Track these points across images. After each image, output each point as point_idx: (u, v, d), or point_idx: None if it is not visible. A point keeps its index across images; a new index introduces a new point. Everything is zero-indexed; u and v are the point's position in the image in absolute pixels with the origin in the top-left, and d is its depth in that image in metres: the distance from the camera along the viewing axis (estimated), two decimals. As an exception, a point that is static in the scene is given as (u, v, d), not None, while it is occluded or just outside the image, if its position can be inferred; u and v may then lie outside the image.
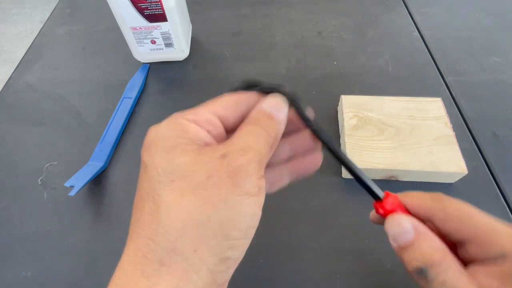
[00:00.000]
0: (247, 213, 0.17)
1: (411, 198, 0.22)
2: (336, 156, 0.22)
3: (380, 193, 0.21)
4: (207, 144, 0.19)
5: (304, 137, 0.24)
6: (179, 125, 0.19)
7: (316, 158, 0.24)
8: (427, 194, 0.22)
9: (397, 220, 0.20)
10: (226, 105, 0.21)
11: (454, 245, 0.21)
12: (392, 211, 0.21)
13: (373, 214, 0.23)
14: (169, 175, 0.17)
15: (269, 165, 0.23)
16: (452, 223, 0.20)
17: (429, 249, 0.19)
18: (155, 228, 0.17)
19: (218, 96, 0.21)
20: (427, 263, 0.19)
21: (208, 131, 0.20)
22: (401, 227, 0.20)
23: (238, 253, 0.18)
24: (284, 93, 0.22)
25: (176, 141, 0.18)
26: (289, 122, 0.22)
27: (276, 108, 0.21)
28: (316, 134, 0.22)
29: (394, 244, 0.21)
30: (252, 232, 0.18)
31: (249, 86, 0.23)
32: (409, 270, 0.20)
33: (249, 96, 0.22)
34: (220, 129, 0.20)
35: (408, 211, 0.22)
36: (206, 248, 0.16)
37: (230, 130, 0.21)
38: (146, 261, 0.16)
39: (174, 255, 0.16)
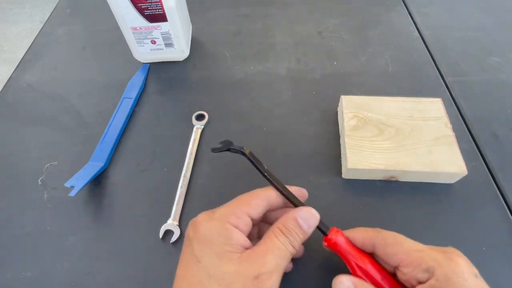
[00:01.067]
0: None
1: (357, 232, 0.28)
2: (287, 198, 0.28)
3: (326, 229, 0.27)
4: (245, 248, 0.24)
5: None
6: (226, 230, 0.24)
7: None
8: (369, 228, 0.28)
9: (339, 280, 0.25)
10: (256, 206, 0.27)
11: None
12: (335, 244, 0.27)
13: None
14: (218, 281, 0.23)
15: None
16: (389, 248, 0.25)
17: None
18: None
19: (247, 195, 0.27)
20: None
21: (243, 232, 0.25)
22: (343, 285, 0.25)
23: None
24: (244, 152, 0.29)
25: (224, 248, 0.24)
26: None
27: (308, 223, 0.26)
28: (268, 180, 0.28)
29: None
30: None
31: (224, 147, 0.30)
32: None
33: (269, 192, 0.28)
34: (250, 226, 0.26)
35: (350, 243, 0.27)
36: None
37: (255, 220, 0.27)
38: None
39: None
